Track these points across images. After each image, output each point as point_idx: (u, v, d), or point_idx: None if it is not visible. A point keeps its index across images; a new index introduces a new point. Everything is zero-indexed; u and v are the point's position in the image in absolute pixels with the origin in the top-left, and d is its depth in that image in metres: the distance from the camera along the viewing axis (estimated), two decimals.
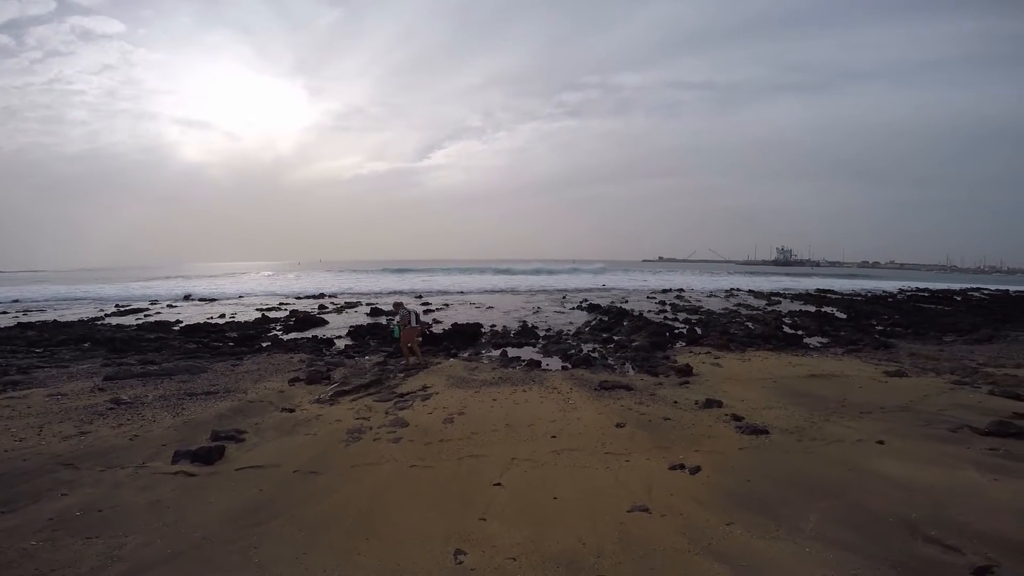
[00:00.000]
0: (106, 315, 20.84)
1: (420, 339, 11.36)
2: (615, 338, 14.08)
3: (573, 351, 11.98)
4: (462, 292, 33.41)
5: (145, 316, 20.53)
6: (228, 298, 28.95)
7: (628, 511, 3.97)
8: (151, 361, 10.54)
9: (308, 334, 15.21)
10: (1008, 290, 45.28)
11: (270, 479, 4.72)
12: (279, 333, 15.54)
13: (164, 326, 16.84)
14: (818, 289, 39.95)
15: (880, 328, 17.75)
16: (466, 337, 14.10)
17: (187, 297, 29.24)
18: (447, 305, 24.27)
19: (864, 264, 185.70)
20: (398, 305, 11.57)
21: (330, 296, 29.74)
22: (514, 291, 34.22)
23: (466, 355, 11.82)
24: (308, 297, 28.98)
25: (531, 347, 13.00)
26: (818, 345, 13.56)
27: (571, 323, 17.77)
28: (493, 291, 34.09)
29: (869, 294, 36.28)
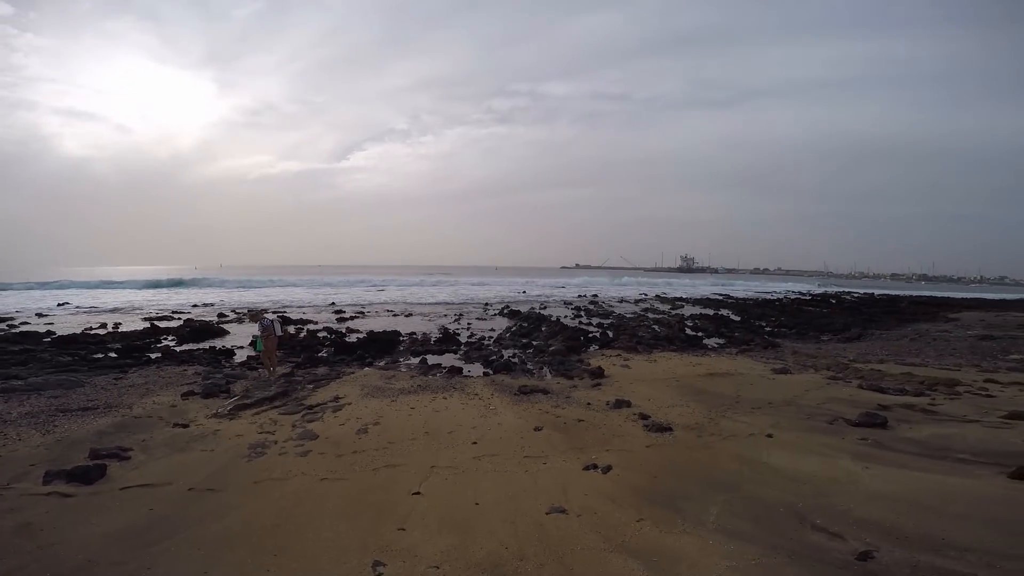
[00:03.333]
0: None
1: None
2: (534, 343, 14.35)
3: (495, 357, 12.04)
4: (380, 299, 32.41)
5: (9, 327, 17.78)
6: (111, 306, 25.84)
7: (547, 513, 4.05)
8: (15, 376, 9.17)
9: (205, 345, 13.98)
10: (873, 293, 52.32)
11: (162, 498, 4.41)
12: (171, 344, 14.13)
13: (32, 337, 14.67)
14: (716, 293, 43.51)
15: (768, 329, 19.64)
16: (382, 345, 13.70)
17: (61, 305, 25.72)
18: (362, 313, 23.37)
19: (756, 270, 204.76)
20: (258, 315, 10.91)
21: (230, 304, 27.51)
22: (436, 297, 33.77)
23: (382, 364, 11.47)
24: (206, 305, 26.62)
25: (452, 354, 12.89)
26: (715, 345, 14.70)
27: (493, 329, 17.86)
28: (413, 299, 33.40)
29: (760, 298, 40.01)
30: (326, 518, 4.04)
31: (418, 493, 4.48)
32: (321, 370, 10.45)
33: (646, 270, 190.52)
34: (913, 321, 24.28)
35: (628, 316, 23.28)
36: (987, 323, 22.81)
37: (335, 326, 18.04)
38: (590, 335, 15.80)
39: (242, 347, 13.37)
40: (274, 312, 20.47)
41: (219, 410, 7.35)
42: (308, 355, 12.26)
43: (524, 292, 40.90)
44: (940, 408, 6.96)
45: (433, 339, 14.98)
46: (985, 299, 48.95)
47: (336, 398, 8.00)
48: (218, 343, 14.26)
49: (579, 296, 37.61)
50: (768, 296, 42.99)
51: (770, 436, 5.88)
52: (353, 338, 14.98)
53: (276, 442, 5.93)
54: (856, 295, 47.69)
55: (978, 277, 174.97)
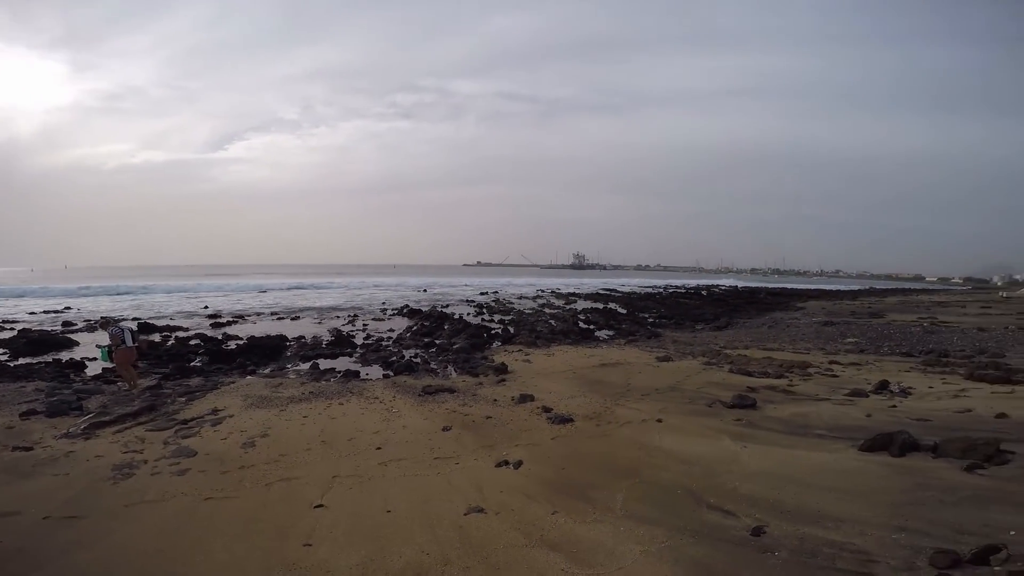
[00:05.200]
0: None
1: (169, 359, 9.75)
2: (437, 342, 14.19)
3: (395, 358, 11.68)
4: (263, 302, 29.93)
5: None
6: None
7: (465, 514, 4.01)
8: None
9: (47, 358, 11.92)
10: (737, 286, 59.27)
11: (11, 529, 3.85)
12: (3, 358, 11.87)
13: None
14: (604, 289, 46.34)
15: (651, 320, 21.36)
16: (266, 351, 12.66)
17: None
18: (242, 318, 21.32)
19: (639, 267, 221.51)
20: (106, 323, 9.63)
21: (79, 312, 23.55)
22: (327, 298, 31.94)
23: (267, 371, 10.62)
24: (47, 313, 22.57)
25: (347, 357, 12.29)
26: (606, 337, 15.66)
27: (392, 330, 17.33)
28: (303, 301, 31.31)
29: (643, 291, 43.32)
30: (218, 539, 3.69)
31: (321, 506, 4.22)
32: (195, 381, 9.42)
33: (542, 267, 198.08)
34: (770, 310, 27.82)
35: (527, 312, 23.96)
36: (828, 311, 26.84)
37: (210, 333, 16.35)
38: (493, 332, 15.98)
39: (95, 359, 11.58)
40: (133, 319, 18.08)
41: (71, 429, 6.33)
42: (177, 365, 10.99)
43: (425, 291, 40.35)
44: (797, 389, 7.94)
45: (325, 342, 14.17)
46: (825, 290, 58.05)
47: (215, 410, 7.28)
48: (64, 355, 12.23)
49: (481, 294, 37.96)
50: (650, 290, 46.65)
51: (660, 421, 6.31)
52: (232, 345, 13.69)
53: (146, 461, 5.30)
54: (723, 288, 53.55)
55: (819, 271, 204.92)
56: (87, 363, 11.12)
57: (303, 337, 15.03)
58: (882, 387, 7.67)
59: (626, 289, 47.57)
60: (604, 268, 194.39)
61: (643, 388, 8.19)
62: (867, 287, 76.74)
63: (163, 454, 5.50)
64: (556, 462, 5.08)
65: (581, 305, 28.57)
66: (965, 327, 17.91)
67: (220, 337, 15.16)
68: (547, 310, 25.36)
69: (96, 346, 9.40)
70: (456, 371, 10.31)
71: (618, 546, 3.47)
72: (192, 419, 6.87)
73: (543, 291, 41.80)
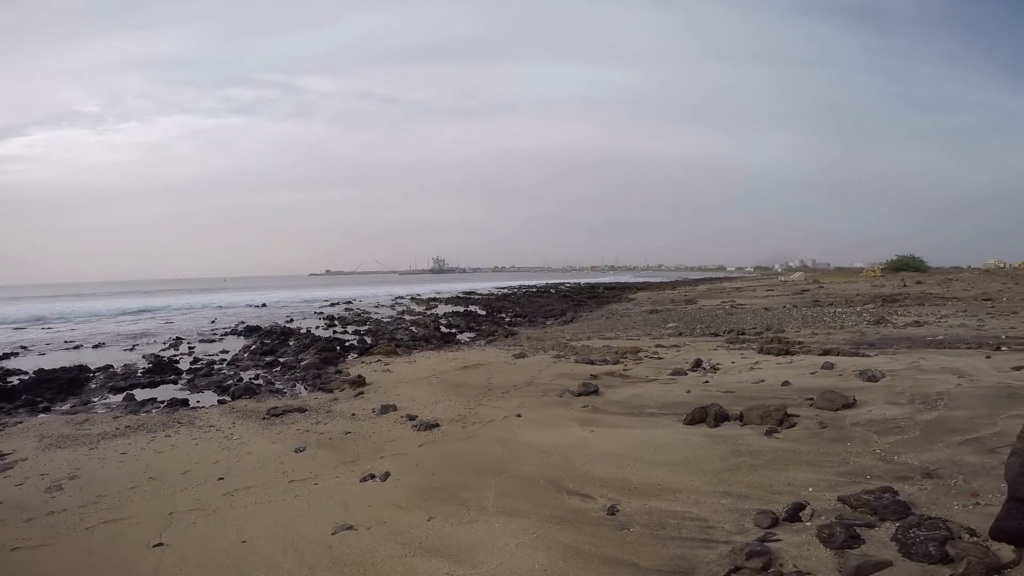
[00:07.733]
0: None
1: None
2: (281, 360, 13.02)
3: (231, 382, 10.44)
4: (53, 328, 24.63)
5: None
6: None
7: (333, 533, 3.81)
8: None
9: None
10: (580, 282, 64.98)
11: None
12: None
13: None
14: (464, 292, 47.17)
15: (508, 320, 22.34)
16: (63, 384, 10.41)
17: None
18: (25, 349, 17.29)
19: (497, 269, 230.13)
20: None
21: None
22: (141, 321, 27.37)
23: (67, 407, 8.83)
24: None
25: (171, 385, 10.66)
26: (467, 340, 15.95)
27: (226, 351, 15.43)
28: (109, 325, 26.42)
29: (500, 292, 45.02)
30: None
31: (161, 544, 3.76)
32: None
33: (401, 273, 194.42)
34: (608, 303, 30.94)
35: (386, 321, 23.23)
36: (653, 300, 30.63)
37: None
38: (347, 344, 15.18)
39: None
40: None
41: None
42: None
43: (264, 306, 36.61)
44: (631, 372, 8.86)
45: (141, 370, 12.10)
46: (651, 282, 66.51)
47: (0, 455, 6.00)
48: None
49: (332, 305, 35.78)
50: (507, 291, 48.63)
51: (519, 416, 6.60)
52: (14, 380, 11.06)
53: None
54: (568, 285, 58.10)
55: (646, 265, 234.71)
56: None
57: (111, 367, 12.63)
58: (697, 365, 8.93)
59: (485, 291, 48.91)
60: (464, 272, 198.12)
61: (503, 386, 8.49)
62: (682, 278, 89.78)
63: None
64: (426, 469, 5.05)
65: (443, 310, 28.65)
66: (755, 308, 21.80)
67: None
68: (407, 317, 24.89)
69: None
70: (307, 389, 9.61)
71: (495, 542, 3.57)
72: None
73: (402, 298, 40.89)
